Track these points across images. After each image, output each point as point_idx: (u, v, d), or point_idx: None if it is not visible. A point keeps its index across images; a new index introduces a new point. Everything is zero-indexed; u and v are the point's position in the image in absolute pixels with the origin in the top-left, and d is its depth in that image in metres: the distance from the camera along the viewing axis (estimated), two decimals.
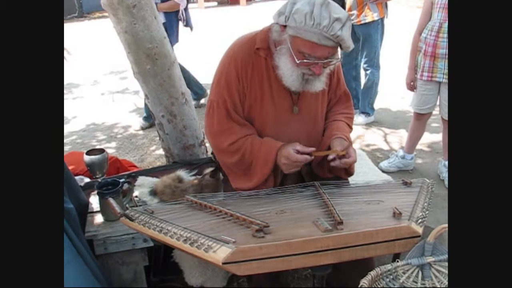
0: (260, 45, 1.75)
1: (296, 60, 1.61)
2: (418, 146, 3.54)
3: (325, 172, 1.86)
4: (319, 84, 1.72)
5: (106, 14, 2.31)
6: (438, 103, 3.07)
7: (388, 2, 4.04)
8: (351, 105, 2.01)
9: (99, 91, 6.01)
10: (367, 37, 4.05)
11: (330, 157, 1.72)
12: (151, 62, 2.35)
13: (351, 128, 1.95)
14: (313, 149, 1.72)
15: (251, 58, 1.76)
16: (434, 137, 3.99)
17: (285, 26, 1.62)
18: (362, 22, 3.98)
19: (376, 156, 3.71)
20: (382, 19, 4.02)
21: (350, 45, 1.61)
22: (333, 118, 1.93)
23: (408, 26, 3.99)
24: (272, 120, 1.80)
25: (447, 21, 2.74)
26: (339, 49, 1.66)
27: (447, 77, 2.84)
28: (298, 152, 1.69)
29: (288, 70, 1.67)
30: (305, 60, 1.61)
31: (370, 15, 3.94)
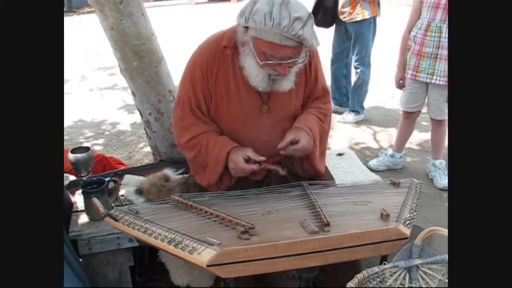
0: (227, 44, 1.71)
1: (259, 61, 1.58)
2: (408, 145, 3.54)
3: (299, 171, 1.86)
4: (287, 84, 1.69)
5: None
6: (426, 101, 3.07)
7: (381, 1, 4.03)
8: (328, 101, 1.97)
9: (88, 87, 5.95)
10: (359, 35, 4.04)
11: (280, 146, 1.69)
12: (138, 59, 2.31)
13: (322, 121, 1.88)
14: (263, 158, 1.69)
15: (218, 57, 1.73)
16: (423, 135, 3.99)
17: (247, 27, 1.58)
18: (354, 20, 3.97)
19: (365, 154, 3.71)
20: (374, 18, 4.01)
21: (314, 43, 1.56)
22: (303, 111, 1.88)
23: (399, 25, 3.98)
24: (241, 119, 1.77)
25: (435, 20, 2.75)
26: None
27: (431, 77, 2.85)
28: (249, 158, 1.68)
29: (254, 71, 1.64)
30: (268, 62, 1.57)
31: (362, 13, 3.93)
